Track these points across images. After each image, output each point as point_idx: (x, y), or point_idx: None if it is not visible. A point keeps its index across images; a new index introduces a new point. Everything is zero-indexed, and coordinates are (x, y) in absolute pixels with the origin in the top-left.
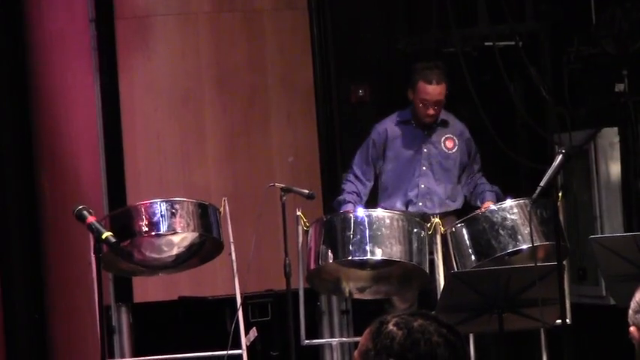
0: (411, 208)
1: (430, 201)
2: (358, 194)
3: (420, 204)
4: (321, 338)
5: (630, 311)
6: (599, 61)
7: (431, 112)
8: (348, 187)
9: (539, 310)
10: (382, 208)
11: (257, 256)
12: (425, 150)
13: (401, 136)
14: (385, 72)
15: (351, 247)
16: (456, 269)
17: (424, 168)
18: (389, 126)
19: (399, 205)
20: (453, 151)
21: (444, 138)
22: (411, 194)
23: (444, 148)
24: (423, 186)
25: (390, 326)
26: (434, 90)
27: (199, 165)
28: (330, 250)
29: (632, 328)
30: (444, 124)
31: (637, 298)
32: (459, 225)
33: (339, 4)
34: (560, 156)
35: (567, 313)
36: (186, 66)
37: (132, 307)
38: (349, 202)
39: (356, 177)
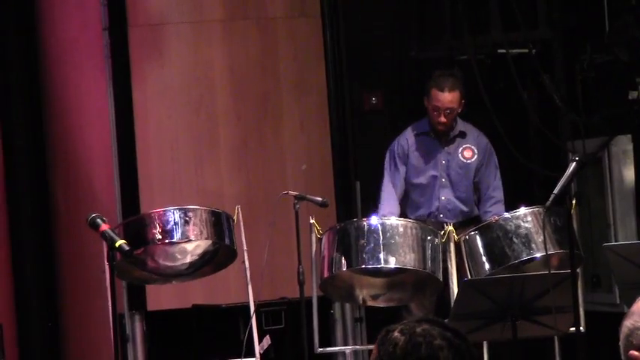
0: (433, 220)
1: (451, 212)
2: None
3: (442, 215)
4: (335, 346)
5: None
6: (612, 68)
7: (442, 119)
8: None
9: (553, 318)
10: (409, 215)
11: (270, 264)
12: (443, 162)
13: (420, 148)
14: (398, 79)
15: (364, 256)
16: (469, 277)
17: (443, 180)
18: (409, 137)
19: (423, 217)
20: (472, 160)
21: (461, 148)
22: (433, 207)
23: (461, 158)
24: (443, 198)
25: (395, 333)
26: (445, 97)
27: (212, 172)
28: (343, 258)
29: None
30: (462, 135)
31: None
32: (472, 233)
33: (352, 12)
34: (574, 163)
35: (581, 321)
36: (200, 73)
37: (145, 315)
38: None
39: (392, 200)
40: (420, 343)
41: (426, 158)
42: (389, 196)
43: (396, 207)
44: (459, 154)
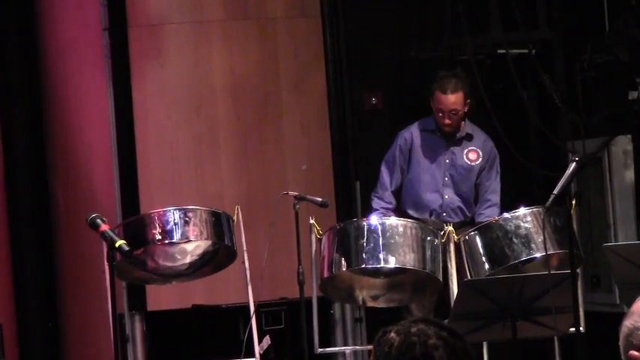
0: (434, 218)
1: (453, 211)
2: (391, 209)
3: (445, 214)
4: (335, 346)
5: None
6: (612, 68)
7: (447, 121)
8: (377, 204)
9: (553, 318)
10: (408, 213)
11: (270, 264)
12: (447, 161)
13: (425, 145)
14: (398, 79)
15: (364, 256)
16: (469, 277)
17: (446, 179)
18: (414, 132)
19: (425, 214)
20: (476, 163)
21: (467, 150)
22: (436, 205)
23: (466, 160)
24: (447, 197)
25: (391, 333)
26: (448, 100)
27: (212, 173)
28: (343, 258)
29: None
30: (469, 137)
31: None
32: (472, 233)
33: (352, 12)
34: (574, 164)
35: (581, 321)
36: (200, 74)
37: (145, 316)
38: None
39: (384, 192)
40: (415, 343)
41: (430, 156)
42: (383, 190)
43: (391, 198)
44: (464, 156)
